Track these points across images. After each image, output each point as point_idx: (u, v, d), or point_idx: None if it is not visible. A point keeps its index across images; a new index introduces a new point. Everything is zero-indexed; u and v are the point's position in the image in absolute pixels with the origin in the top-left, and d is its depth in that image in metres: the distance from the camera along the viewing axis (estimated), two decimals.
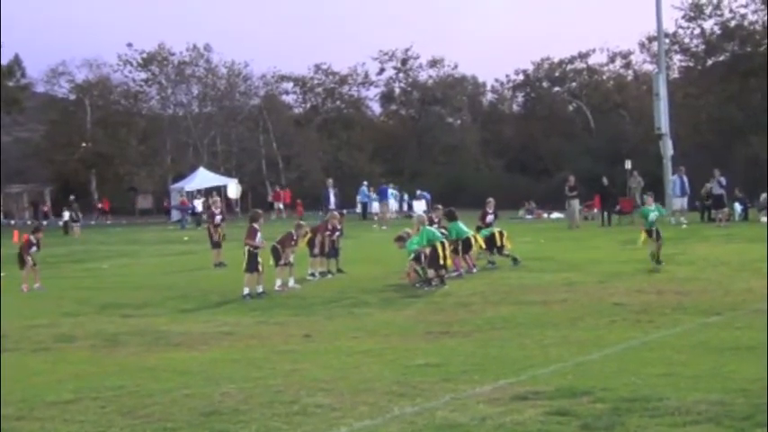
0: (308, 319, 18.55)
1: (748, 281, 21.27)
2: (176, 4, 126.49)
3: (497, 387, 11.34)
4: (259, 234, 23.07)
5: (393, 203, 61.38)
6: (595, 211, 49.36)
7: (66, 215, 57.72)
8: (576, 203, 44.79)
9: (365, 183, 61.86)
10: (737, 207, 44.38)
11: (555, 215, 49.69)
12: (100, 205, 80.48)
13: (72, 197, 63.01)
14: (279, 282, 23.32)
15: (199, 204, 64.41)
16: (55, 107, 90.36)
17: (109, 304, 21.78)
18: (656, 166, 51.84)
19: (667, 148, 49.19)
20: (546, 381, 11.60)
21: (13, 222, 71.50)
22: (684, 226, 40.64)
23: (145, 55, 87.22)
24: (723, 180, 42.24)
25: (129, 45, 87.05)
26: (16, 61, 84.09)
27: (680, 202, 43.88)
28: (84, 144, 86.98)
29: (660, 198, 49.89)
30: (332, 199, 49.54)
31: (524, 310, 18.31)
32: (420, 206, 60.09)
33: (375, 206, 59.63)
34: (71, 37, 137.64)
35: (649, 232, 25.54)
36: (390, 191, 59.71)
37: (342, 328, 17.13)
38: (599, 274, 23.85)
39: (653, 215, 25.80)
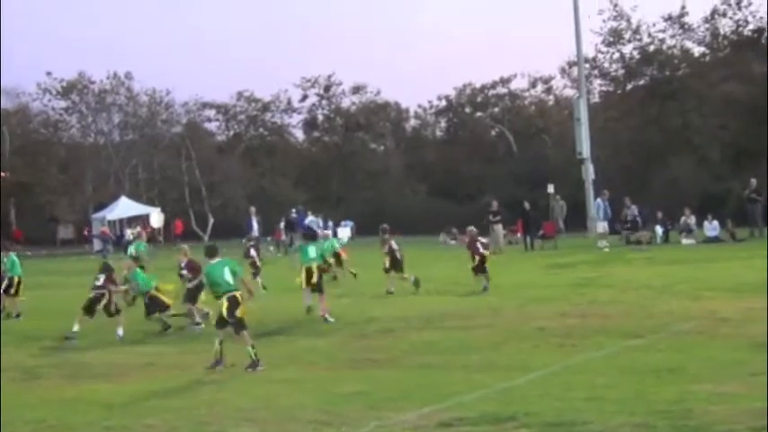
0: (231, 347, 18.32)
1: (670, 303, 21.53)
2: (96, 32, 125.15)
3: (422, 414, 11.31)
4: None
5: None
6: (518, 235, 49.50)
7: None
8: (499, 228, 44.96)
9: (293, 210, 61.42)
10: (658, 229, 44.83)
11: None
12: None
13: None
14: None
15: (129, 233, 63.57)
16: None
17: (28, 336, 21.41)
18: (579, 190, 52.32)
19: (589, 173, 49.78)
20: (471, 407, 11.59)
21: None
22: (606, 249, 40.97)
23: (64, 83, 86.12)
24: (635, 208, 43.09)
25: (49, 74, 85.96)
26: None
27: (602, 226, 44.27)
28: (2, 174, 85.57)
29: (582, 222, 50.68)
30: (255, 226, 49.26)
31: (448, 336, 18.31)
32: (345, 233, 60.05)
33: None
34: None
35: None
36: (311, 218, 59.19)
37: (265, 356, 16.96)
38: (522, 299, 23.97)
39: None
